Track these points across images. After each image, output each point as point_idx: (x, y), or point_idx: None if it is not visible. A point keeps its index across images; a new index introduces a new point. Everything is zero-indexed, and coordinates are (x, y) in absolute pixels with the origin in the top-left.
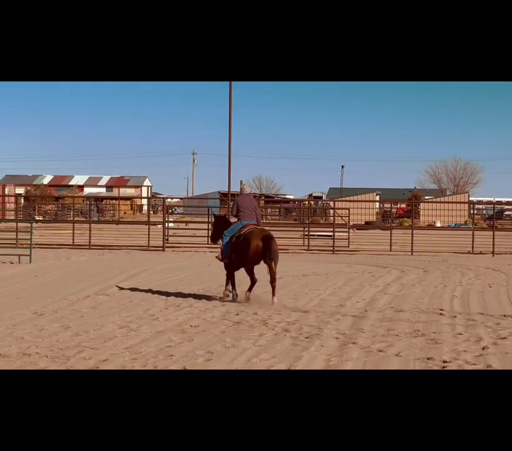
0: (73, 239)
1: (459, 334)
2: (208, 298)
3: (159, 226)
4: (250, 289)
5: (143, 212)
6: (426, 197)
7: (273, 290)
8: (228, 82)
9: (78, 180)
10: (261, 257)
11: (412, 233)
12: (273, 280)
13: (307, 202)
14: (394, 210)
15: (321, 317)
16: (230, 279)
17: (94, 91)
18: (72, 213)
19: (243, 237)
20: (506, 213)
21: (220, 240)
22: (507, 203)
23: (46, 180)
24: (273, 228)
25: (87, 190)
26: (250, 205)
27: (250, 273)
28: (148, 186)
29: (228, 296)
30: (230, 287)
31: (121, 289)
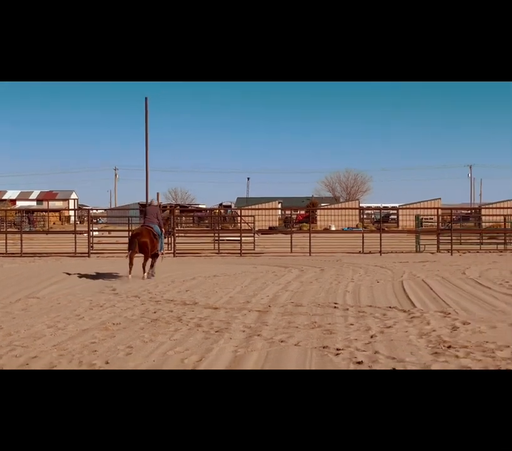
0: (6, 248)
1: (351, 324)
2: (129, 298)
3: (85, 235)
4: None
5: (71, 222)
6: (322, 204)
7: (143, 268)
8: (144, 104)
9: (10, 194)
10: (131, 246)
11: (310, 237)
12: (143, 265)
13: (217, 211)
14: (294, 216)
15: (230, 313)
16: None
17: (22, 108)
18: (5, 224)
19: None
20: (392, 217)
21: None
22: (393, 208)
23: None
24: (187, 235)
25: (19, 204)
26: (153, 213)
27: (130, 258)
28: (74, 199)
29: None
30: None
31: (50, 292)
